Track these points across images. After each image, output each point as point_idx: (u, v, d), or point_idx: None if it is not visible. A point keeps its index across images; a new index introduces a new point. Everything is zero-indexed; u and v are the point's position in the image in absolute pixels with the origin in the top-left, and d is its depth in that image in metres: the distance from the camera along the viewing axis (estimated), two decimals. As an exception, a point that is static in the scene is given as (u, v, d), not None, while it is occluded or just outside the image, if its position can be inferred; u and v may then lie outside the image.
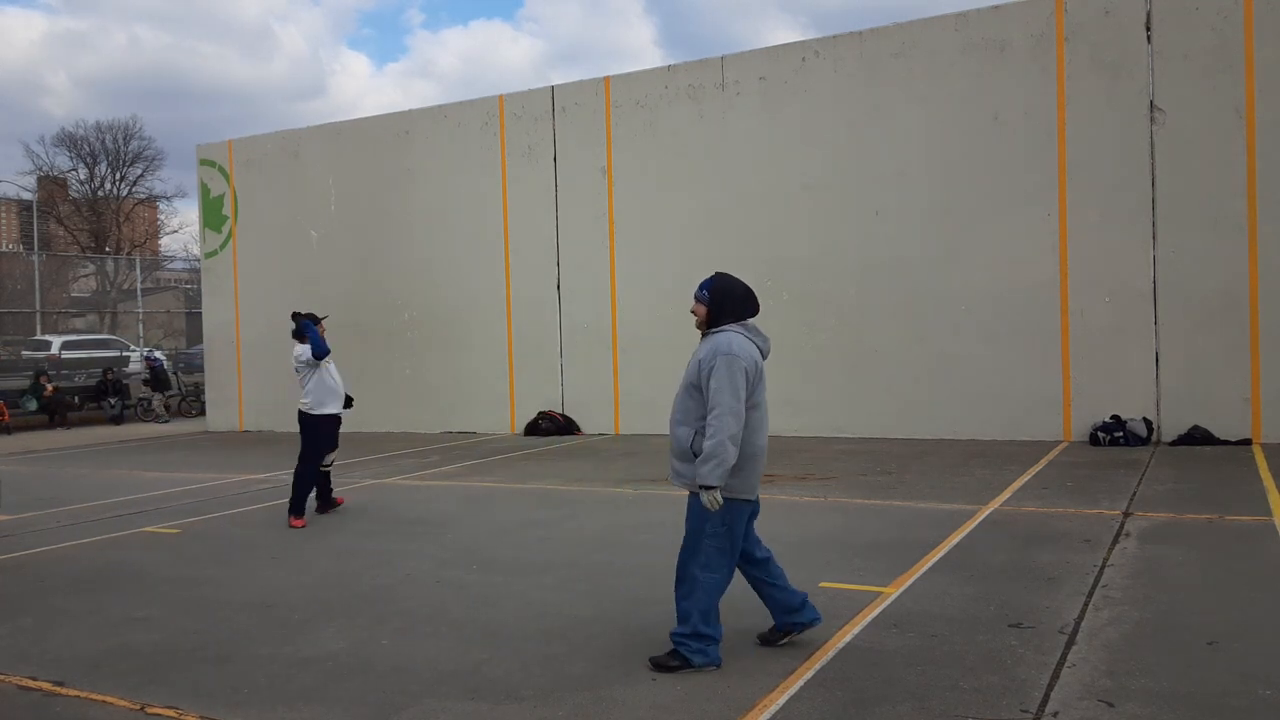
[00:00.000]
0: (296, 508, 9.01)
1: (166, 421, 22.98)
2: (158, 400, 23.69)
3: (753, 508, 4.95)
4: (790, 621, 5.03)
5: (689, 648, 4.75)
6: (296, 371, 9.54)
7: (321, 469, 9.38)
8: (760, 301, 5.10)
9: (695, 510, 4.83)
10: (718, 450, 4.62)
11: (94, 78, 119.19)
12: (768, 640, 5.07)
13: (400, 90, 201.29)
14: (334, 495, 9.70)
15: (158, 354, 27.50)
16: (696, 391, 4.85)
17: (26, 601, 6.54)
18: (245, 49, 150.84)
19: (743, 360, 4.71)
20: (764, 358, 4.91)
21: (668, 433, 5.08)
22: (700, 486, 4.68)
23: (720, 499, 4.68)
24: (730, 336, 4.82)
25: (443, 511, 9.49)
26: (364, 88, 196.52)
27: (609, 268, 16.20)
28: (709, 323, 4.93)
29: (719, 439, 4.62)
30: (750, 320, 4.93)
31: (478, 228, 17.28)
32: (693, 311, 5.02)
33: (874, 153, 14.22)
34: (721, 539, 4.80)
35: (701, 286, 4.98)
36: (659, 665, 4.80)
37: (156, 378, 24.12)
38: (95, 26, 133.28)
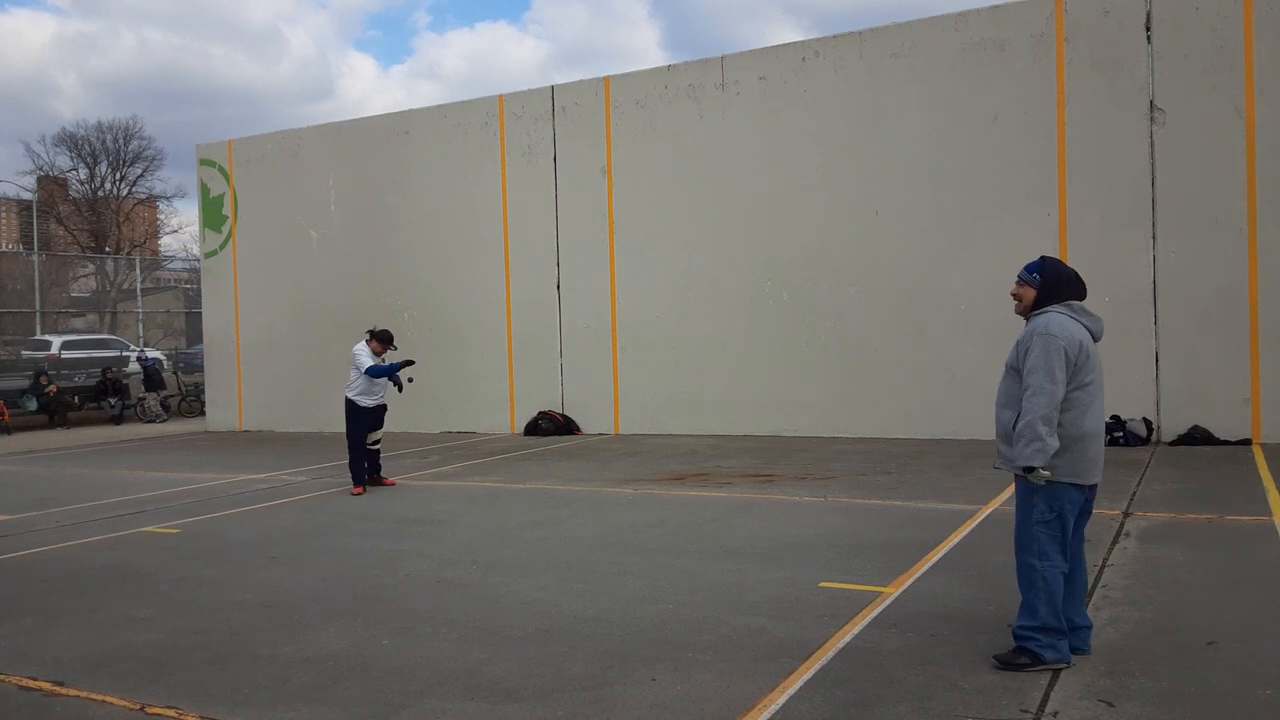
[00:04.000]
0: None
1: (163, 421, 22.99)
2: (152, 400, 23.71)
3: (1084, 496, 4.71)
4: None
5: (1038, 643, 4.54)
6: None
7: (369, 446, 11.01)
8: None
9: (1022, 497, 4.71)
10: (1025, 430, 4.54)
11: (103, 80, 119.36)
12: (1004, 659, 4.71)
13: (406, 91, 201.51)
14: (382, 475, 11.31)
15: (150, 354, 27.48)
16: (1016, 374, 4.74)
17: (26, 601, 6.54)
18: (253, 51, 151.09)
19: (1060, 340, 4.57)
20: (1096, 339, 4.74)
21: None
22: (1020, 468, 4.59)
23: (1045, 476, 4.55)
24: (1049, 317, 4.69)
25: (443, 511, 9.49)
26: (370, 89, 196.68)
27: (609, 268, 16.20)
28: (1035, 305, 4.79)
29: (1028, 418, 4.53)
30: (1078, 302, 4.78)
31: (478, 228, 17.28)
32: (1014, 295, 4.87)
33: (874, 153, 14.22)
34: (1053, 526, 4.62)
35: (1029, 270, 4.83)
36: (1006, 664, 4.56)
37: (149, 378, 24.12)
38: (104, 28, 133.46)
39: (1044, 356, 4.56)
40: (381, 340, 10.99)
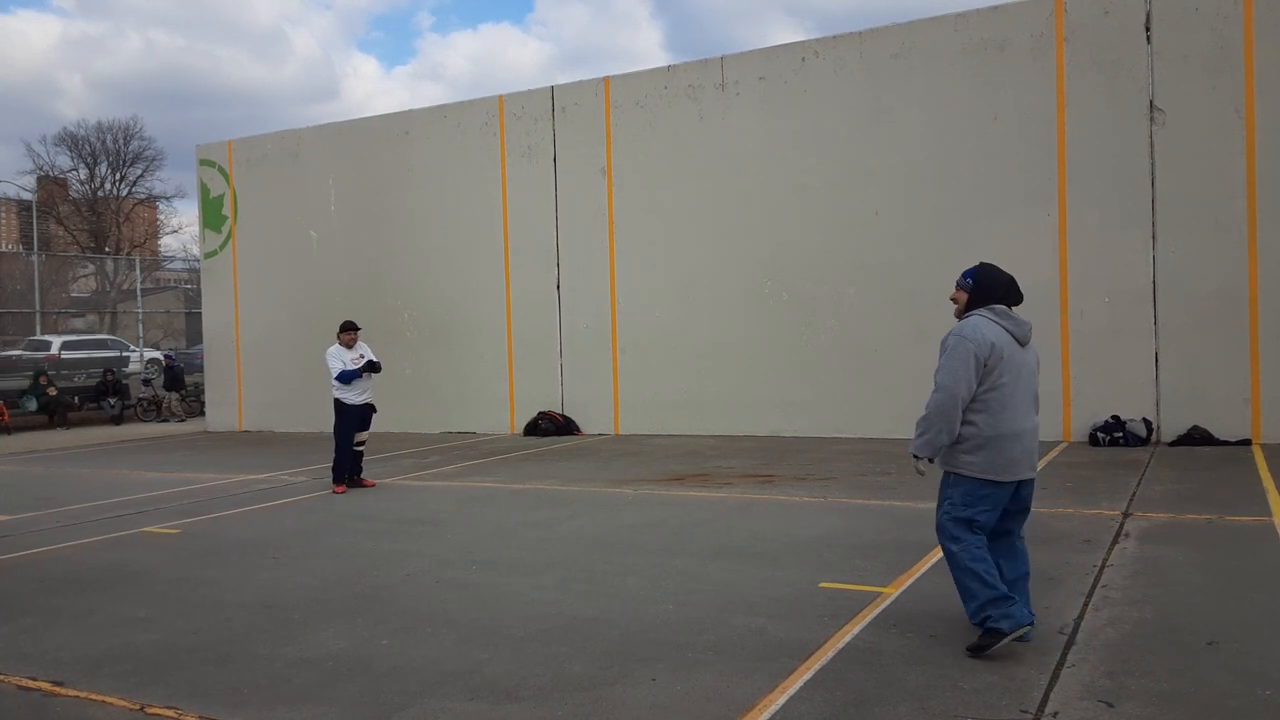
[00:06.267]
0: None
1: (182, 420, 23.05)
2: (175, 400, 23.77)
3: (1006, 494, 4.84)
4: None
5: (991, 618, 4.70)
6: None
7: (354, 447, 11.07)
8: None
9: (941, 487, 4.99)
10: (921, 423, 4.85)
11: (108, 81, 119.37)
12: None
13: (409, 93, 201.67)
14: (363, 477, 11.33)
15: (171, 353, 27.48)
16: None
17: (26, 601, 6.54)
18: (258, 52, 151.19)
19: (969, 341, 4.77)
20: (1022, 342, 4.90)
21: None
22: (912, 454, 4.92)
23: (922, 469, 4.91)
24: (967, 320, 4.92)
25: (443, 511, 9.49)
26: (373, 90, 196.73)
27: (609, 268, 16.20)
28: (966, 308, 5.02)
29: (927, 413, 4.82)
30: (1004, 306, 4.96)
31: (478, 228, 17.28)
32: (952, 299, 5.13)
33: (874, 153, 14.22)
34: (959, 510, 4.85)
35: (965, 275, 5.07)
36: (977, 650, 4.72)
37: (173, 377, 24.14)
38: (109, 30, 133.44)
39: (950, 356, 4.80)
40: (346, 329, 10.95)
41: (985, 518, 4.85)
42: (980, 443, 4.77)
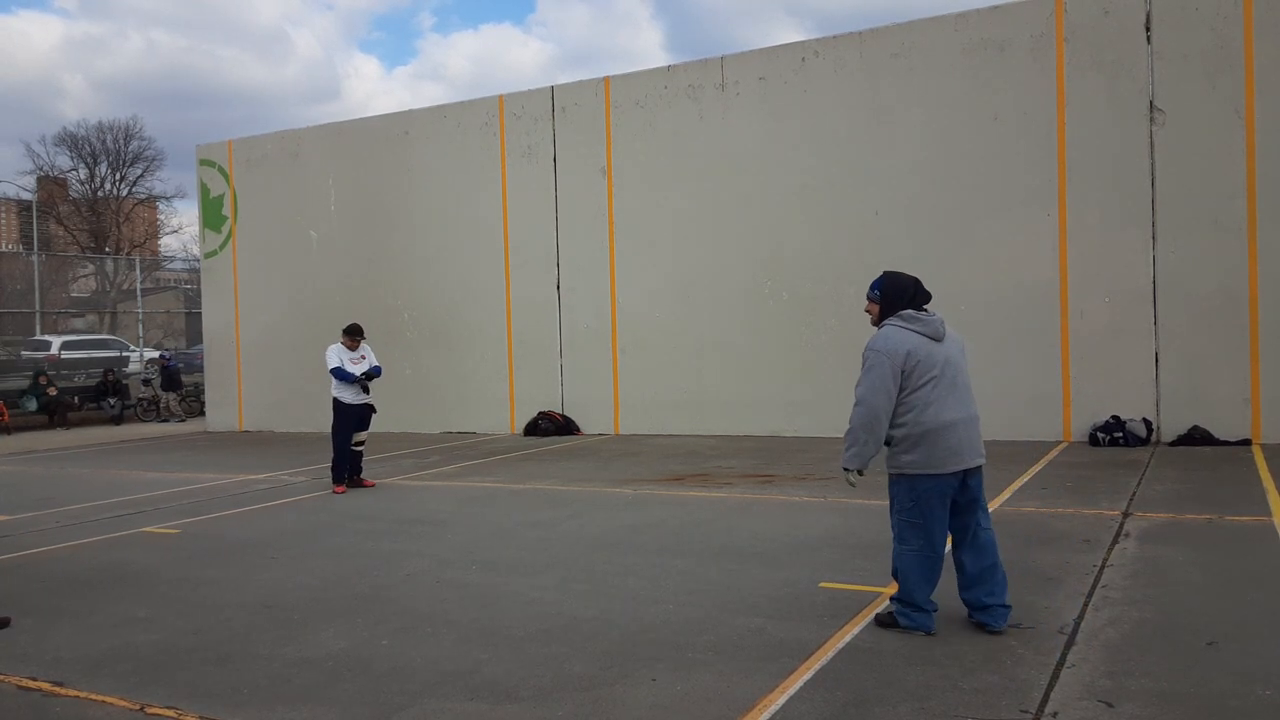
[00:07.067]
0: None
1: (182, 421, 23.06)
2: (174, 400, 23.76)
3: (951, 486, 5.03)
4: (975, 617, 5.19)
5: (899, 609, 5.16)
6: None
7: (352, 447, 11.06)
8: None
9: (889, 488, 5.23)
10: (848, 436, 5.10)
11: (110, 81, 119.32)
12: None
13: (410, 93, 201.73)
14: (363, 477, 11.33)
15: (168, 353, 27.49)
16: None
17: (26, 601, 6.53)
18: (260, 52, 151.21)
19: (883, 354, 5.03)
20: (939, 339, 5.11)
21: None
22: (843, 467, 5.18)
23: (853, 480, 5.19)
24: (880, 332, 5.18)
25: (443, 511, 9.49)
26: (374, 90, 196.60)
27: (609, 268, 16.20)
28: (880, 317, 5.28)
29: (850, 426, 5.08)
30: (913, 310, 5.18)
31: (478, 228, 17.28)
32: (866, 310, 5.41)
33: (874, 153, 14.22)
34: (910, 513, 5.10)
35: (872, 286, 5.34)
36: (880, 622, 5.23)
37: (170, 377, 24.14)
38: (111, 30, 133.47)
39: (868, 371, 5.07)
40: (349, 334, 10.99)
41: (936, 515, 5.05)
42: (914, 441, 4.99)
